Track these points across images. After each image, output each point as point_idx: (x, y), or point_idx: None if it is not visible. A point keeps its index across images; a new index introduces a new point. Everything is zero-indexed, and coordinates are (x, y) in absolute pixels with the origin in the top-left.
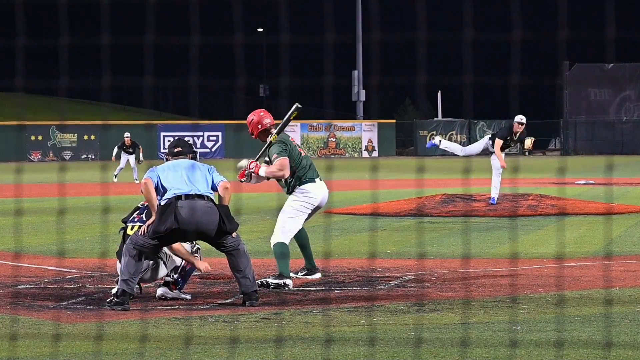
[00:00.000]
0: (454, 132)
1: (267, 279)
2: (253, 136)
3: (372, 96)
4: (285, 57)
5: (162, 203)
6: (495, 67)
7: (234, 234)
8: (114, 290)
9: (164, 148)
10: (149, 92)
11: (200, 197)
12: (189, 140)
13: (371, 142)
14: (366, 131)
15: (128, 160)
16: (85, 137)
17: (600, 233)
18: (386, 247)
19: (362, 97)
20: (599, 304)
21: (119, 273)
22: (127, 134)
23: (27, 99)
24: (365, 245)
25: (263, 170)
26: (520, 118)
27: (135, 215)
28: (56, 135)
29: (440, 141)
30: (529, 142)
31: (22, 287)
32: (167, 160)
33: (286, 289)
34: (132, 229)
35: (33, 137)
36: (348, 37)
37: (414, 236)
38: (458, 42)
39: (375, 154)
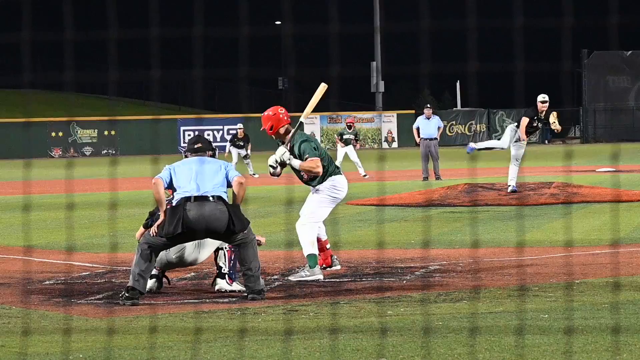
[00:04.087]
0: (473, 122)
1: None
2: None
3: (392, 87)
4: (303, 50)
5: (174, 203)
6: (514, 56)
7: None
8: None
9: (184, 142)
10: (168, 86)
11: (210, 197)
12: (209, 135)
13: (391, 133)
14: (386, 122)
15: (239, 153)
16: (106, 132)
17: (623, 220)
18: (410, 237)
19: (381, 88)
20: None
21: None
22: (239, 125)
23: (47, 96)
24: (389, 235)
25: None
26: (542, 97)
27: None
28: (77, 132)
29: (476, 144)
30: (552, 117)
31: (48, 282)
32: (185, 156)
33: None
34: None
35: (53, 134)
36: (366, 28)
37: (437, 226)
38: (477, 30)
39: (395, 144)
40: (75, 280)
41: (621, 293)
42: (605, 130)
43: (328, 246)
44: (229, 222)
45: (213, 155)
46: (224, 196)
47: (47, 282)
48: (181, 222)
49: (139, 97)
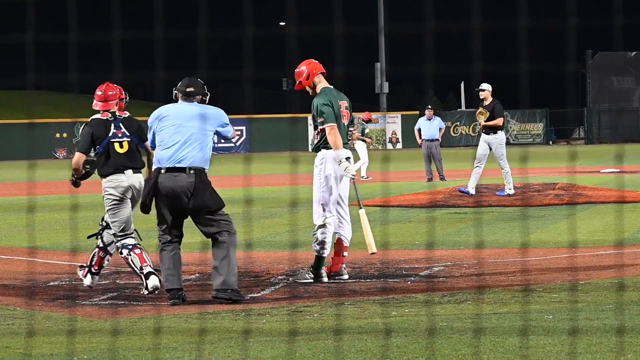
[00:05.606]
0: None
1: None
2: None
3: (396, 88)
4: (307, 51)
5: (153, 167)
6: (518, 57)
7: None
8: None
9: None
10: (173, 87)
11: (183, 170)
12: None
13: (395, 134)
14: (390, 123)
15: None
16: None
17: (628, 221)
18: (414, 238)
19: (385, 89)
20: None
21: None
22: None
23: (51, 97)
24: (394, 236)
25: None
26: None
27: None
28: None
29: (471, 189)
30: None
31: (52, 283)
32: (175, 97)
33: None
34: None
35: (58, 135)
36: (370, 29)
37: (441, 227)
38: (481, 31)
39: (399, 145)
40: (80, 281)
41: (625, 294)
42: (609, 131)
43: (345, 254)
44: (190, 198)
45: (203, 101)
46: (205, 166)
47: (51, 283)
48: (152, 194)
49: (143, 97)
